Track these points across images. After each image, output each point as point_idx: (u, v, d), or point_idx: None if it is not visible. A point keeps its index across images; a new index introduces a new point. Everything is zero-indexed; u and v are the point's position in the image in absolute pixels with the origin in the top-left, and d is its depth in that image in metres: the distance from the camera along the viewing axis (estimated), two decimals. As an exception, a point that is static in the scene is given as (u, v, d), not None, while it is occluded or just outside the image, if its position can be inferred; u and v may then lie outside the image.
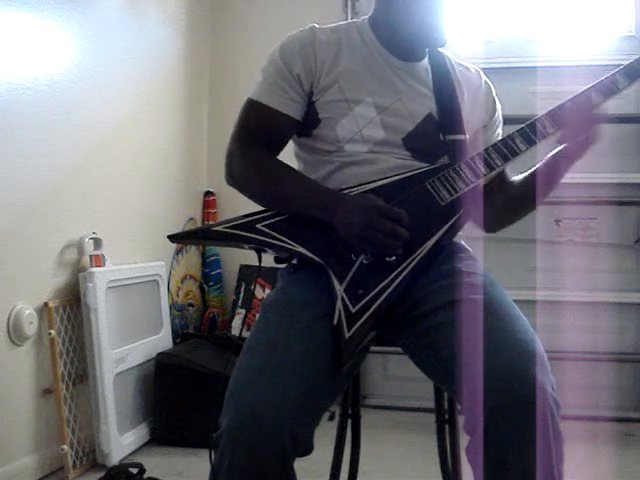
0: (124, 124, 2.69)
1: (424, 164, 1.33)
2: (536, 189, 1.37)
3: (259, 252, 1.30)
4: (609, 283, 2.97)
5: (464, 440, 1.13)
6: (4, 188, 2.07)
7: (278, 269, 1.38)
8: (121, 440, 2.40)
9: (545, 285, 2.91)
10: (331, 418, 2.51)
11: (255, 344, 1.18)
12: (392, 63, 1.39)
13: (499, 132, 1.50)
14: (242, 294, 3.25)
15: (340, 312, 1.18)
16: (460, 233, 1.37)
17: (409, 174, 1.31)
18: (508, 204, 1.44)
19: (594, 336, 2.95)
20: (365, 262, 1.23)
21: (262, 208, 1.33)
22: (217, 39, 3.41)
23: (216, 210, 3.34)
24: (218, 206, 3.35)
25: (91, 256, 2.38)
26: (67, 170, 2.36)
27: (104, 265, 2.43)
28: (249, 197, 1.36)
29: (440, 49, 1.44)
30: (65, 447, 2.21)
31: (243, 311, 3.21)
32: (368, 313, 1.18)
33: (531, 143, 1.29)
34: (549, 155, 1.36)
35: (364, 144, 1.34)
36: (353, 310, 1.18)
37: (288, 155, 1.43)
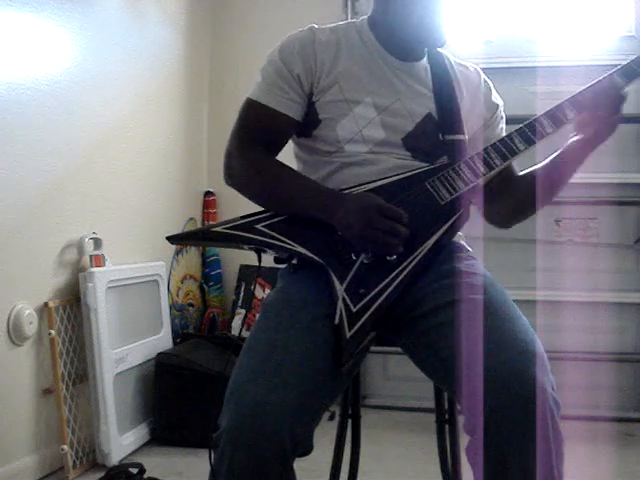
0: (124, 124, 2.69)
1: (424, 164, 1.33)
2: (555, 178, 1.37)
3: (259, 252, 1.30)
4: (609, 283, 2.97)
5: (464, 440, 1.13)
6: (4, 188, 2.07)
7: (278, 269, 1.38)
8: (121, 440, 2.40)
9: (545, 285, 2.91)
10: (331, 418, 2.51)
11: (255, 344, 1.18)
12: (391, 63, 1.39)
13: (502, 127, 1.49)
14: (242, 294, 3.25)
15: (341, 312, 1.18)
16: (460, 233, 1.37)
17: (409, 174, 1.31)
18: (523, 198, 1.43)
19: (594, 336, 2.95)
20: (365, 262, 1.23)
21: (262, 208, 1.33)
22: (217, 39, 3.41)
23: (216, 210, 3.34)
24: (218, 206, 3.35)
25: (91, 256, 2.38)
26: (67, 170, 2.36)
27: (104, 265, 2.43)
28: (248, 197, 1.36)
29: (439, 49, 1.44)
30: (65, 447, 2.21)
31: (243, 311, 3.21)
32: (369, 312, 1.18)
33: (530, 143, 1.29)
34: (567, 143, 1.35)
35: (364, 144, 1.34)
36: (354, 310, 1.18)
37: (288, 155, 1.43)
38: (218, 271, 3.34)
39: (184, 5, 3.16)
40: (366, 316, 1.18)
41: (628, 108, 1.31)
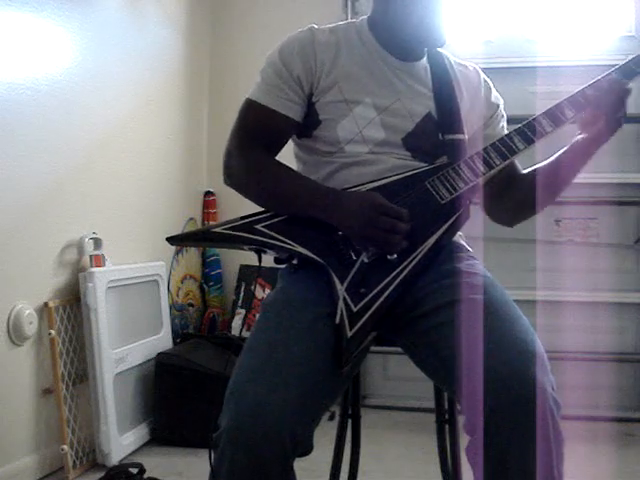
0: (124, 124, 2.69)
1: (424, 164, 1.33)
2: (559, 177, 1.37)
3: (259, 253, 1.30)
4: (609, 283, 2.97)
5: (464, 440, 1.13)
6: (4, 188, 2.07)
7: (278, 269, 1.38)
8: (121, 440, 2.40)
9: (545, 285, 2.91)
10: (331, 418, 2.51)
11: (255, 344, 1.18)
12: (391, 63, 1.39)
13: (503, 125, 1.49)
14: (242, 294, 3.25)
15: (342, 311, 1.18)
16: (460, 233, 1.37)
17: (409, 174, 1.31)
18: (526, 196, 1.42)
19: (594, 336, 2.95)
20: (366, 261, 1.23)
21: (262, 209, 1.33)
22: (217, 39, 3.41)
23: (216, 210, 3.34)
24: (218, 206, 3.35)
25: (91, 256, 2.38)
26: (67, 170, 2.36)
27: (104, 265, 2.43)
28: (247, 197, 1.36)
29: (439, 49, 1.44)
30: (65, 447, 2.21)
31: (243, 311, 3.20)
32: (370, 312, 1.18)
33: (529, 142, 1.29)
34: (572, 141, 1.35)
35: (364, 145, 1.34)
36: (355, 309, 1.18)
37: (288, 155, 1.43)
38: (218, 271, 3.34)
39: (184, 5, 3.16)
40: (367, 315, 1.18)
41: (628, 108, 1.31)
